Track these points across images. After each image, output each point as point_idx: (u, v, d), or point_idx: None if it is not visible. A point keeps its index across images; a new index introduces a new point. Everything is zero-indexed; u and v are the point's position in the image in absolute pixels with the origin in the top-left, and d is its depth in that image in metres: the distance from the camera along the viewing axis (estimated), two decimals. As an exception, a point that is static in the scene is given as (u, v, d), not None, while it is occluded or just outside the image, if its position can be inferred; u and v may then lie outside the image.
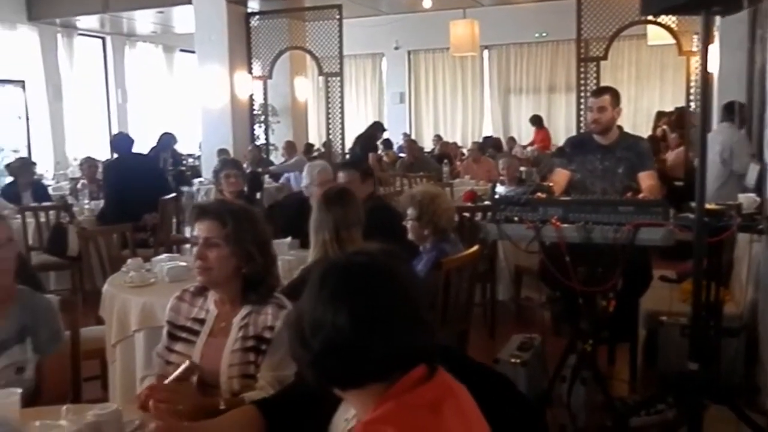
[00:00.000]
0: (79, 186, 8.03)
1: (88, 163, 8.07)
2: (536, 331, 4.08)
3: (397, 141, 13.47)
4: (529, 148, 12.94)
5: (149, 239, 6.13)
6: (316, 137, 13.10)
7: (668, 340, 3.70)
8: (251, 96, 10.06)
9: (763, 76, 5.41)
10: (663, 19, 7.61)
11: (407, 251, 3.15)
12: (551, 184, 3.83)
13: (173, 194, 6.91)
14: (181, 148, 11.24)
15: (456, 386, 1.30)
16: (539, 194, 3.21)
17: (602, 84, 7.64)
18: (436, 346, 1.29)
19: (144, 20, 12.75)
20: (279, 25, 9.84)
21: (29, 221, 6.04)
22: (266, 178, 8.96)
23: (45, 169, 10.91)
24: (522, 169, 8.36)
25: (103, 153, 10.31)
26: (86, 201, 7.22)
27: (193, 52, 10.52)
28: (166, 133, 10.13)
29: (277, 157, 10.26)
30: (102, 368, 3.65)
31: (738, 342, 3.57)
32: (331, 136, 9.86)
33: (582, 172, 4.06)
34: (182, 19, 11.63)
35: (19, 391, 1.82)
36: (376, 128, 10.50)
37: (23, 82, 11.42)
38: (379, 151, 10.78)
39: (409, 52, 15.96)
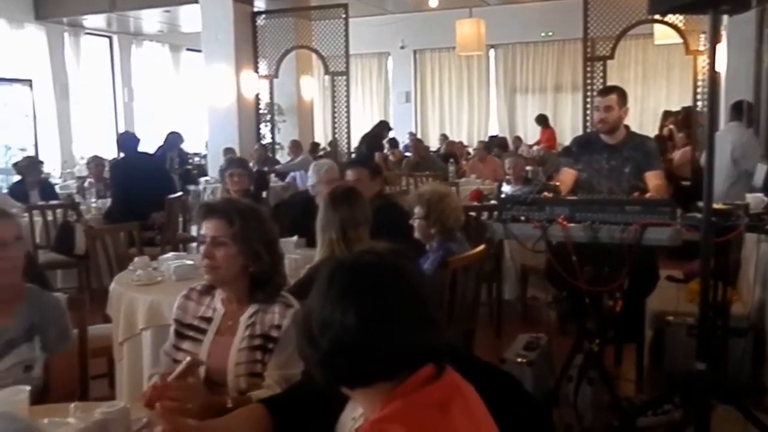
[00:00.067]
0: (86, 184, 8.08)
1: (95, 162, 8.11)
2: (542, 330, 4.07)
3: (403, 140, 13.46)
4: (535, 148, 12.92)
5: (156, 237, 6.15)
6: (321, 136, 13.11)
7: (675, 340, 3.69)
8: (257, 95, 10.07)
9: (771, 75, 5.40)
10: (670, 18, 7.59)
11: (414, 250, 3.15)
12: (558, 183, 3.82)
13: (179, 193, 6.93)
14: (187, 146, 11.27)
15: (464, 386, 1.30)
16: (546, 193, 3.21)
17: (609, 83, 7.63)
18: (444, 345, 1.29)
19: (151, 19, 12.79)
20: (285, 24, 9.86)
21: (36, 220, 6.06)
22: (272, 177, 8.98)
23: (52, 167, 10.96)
24: (528, 168, 8.35)
25: (109, 152, 10.32)
26: (93, 199, 7.26)
27: (199, 51, 10.55)
28: (172, 133, 10.16)
29: (283, 156, 10.27)
30: (109, 366, 3.65)
31: (745, 342, 3.56)
32: (336, 135, 9.86)
33: (589, 171, 4.05)
34: (189, 18, 11.67)
35: (28, 388, 1.83)
36: (382, 127, 10.50)
37: (30, 81, 11.47)
38: (385, 151, 10.77)
39: (415, 51, 15.96)
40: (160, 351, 2.30)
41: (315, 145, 10.98)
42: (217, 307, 2.21)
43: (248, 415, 1.67)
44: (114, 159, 8.49)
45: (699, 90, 7.91)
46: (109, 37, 13.65)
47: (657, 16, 7.56)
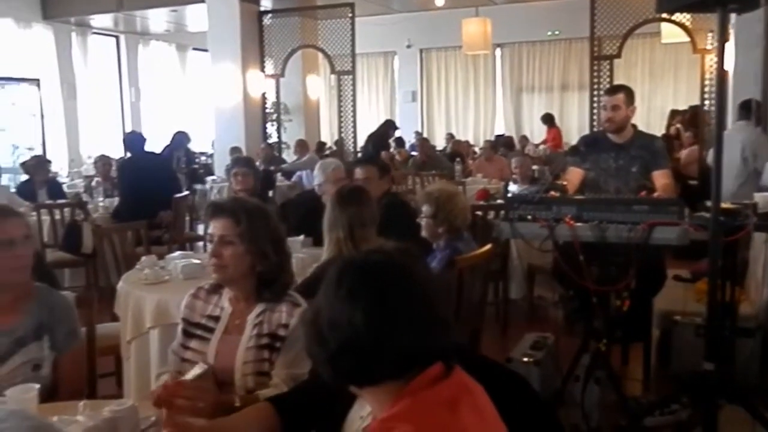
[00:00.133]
0: (93, 183, 8.11)
1: (102, 161, 8.14)
2: (549, 330, 4.07)
3: (409, 139, 13.47)
4: (541, 147, 12.90)
5: (163, 236, 6.17)
6: (328, 135, 13.12)
7: (682, 339, 3.68)
8: (264, 94, 10.08)
9: (780, 74, 5.37)
10: (677, 16, 7.55)
11: (421, 248, 3.14)
12: (565, 182, 3.82)
13: (186, 192, 6.95)
14: (194, 146, 11.29)
15: (472, 385, 1.30)
16: (553, 193, 3.20)
17: (616, 82, 7.61)
18: (452, 344, 1.29)
19: (157, 19, 12.83)
20: (291, 24, 9.87)
21: (44, 218, 6.09)
22: (278, 176, 8.99)
23: (59, 166, 11.00)
24: (534, 167, 8.34)
25: (116, 151, 10.37)
26: (100, 198, 7.29)
27: (206, 50, 10.56)
28: (179, 132, 10.18)
29: (289, 156, 10.28)
30: (116, 365, 3.67)
31: (753, 342, 3.54)
32: (343, 135, 9.87)
33: (596, 170, 4.03)
34: (195, 17, 11.70)
35: (37, 386, 1.84)
36: (388, 126, 10.51)
37: (38, 80, 11.52)
38: (391, 150, 10.77)
39: (421, 51, 15.95)
40: (167, 350, 2.31)
41: (321, 145, 10.99)
42: (225, 306, 2.21)
43: (256, 414, 1.67)
44: (121, 158, 8.52)
45: (706, 89, 7.87)
46: (116, 37, 13.70)
47: (664, 15, 7.53)
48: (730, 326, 3.28)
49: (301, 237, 3.95)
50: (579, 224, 2.91)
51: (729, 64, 6.88)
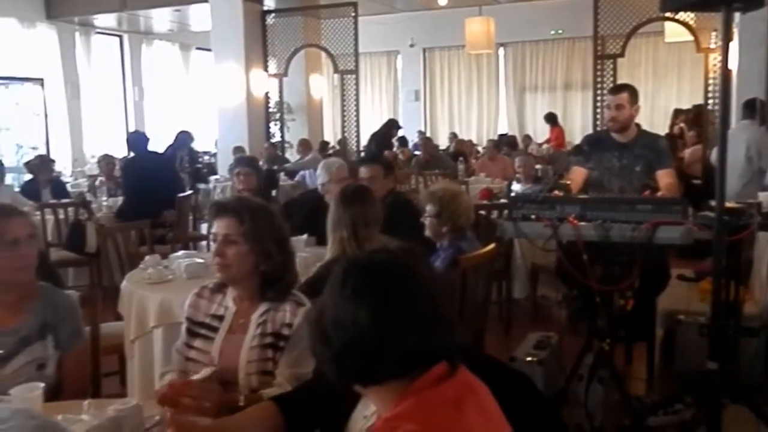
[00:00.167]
0: (97, 183, 8.12)
1: (106, 161, 8.15)
2: (553, 329, 4.06)
3: (413, 139, 13.45)
4: (544, 146, 12.89)
5: (167, 235, 6.18)
6: (331, 135, 13.13)
7: (686, 339, 3.67)
8: (267, 94, 10.08)
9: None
10: (681, 15, 7.55)
11: (425, 247, 3.15)
12: (569, 182, 3.81)
13: (189, 191, 6.96)
14: (197, 145, 11.29)
15: (477, 384, 1.30)
16: (556, 192, 3.20)
17: (619, 81, 7.59)
18: (456, 343, 1.29)
19: (161, 18, 12.85)
20: (295, 23, 9.87)
21: (48, 218, 6.11)
22: (282, 175, 8.99)
23: (63, 166, 11.02)
24: (538, 167, 8.33)
25: (120, 150, 10.36)
26: (104, 198, 7.30)
27: (209, 50, 10.58)
28: (182, 132, 10.19)
29: (292, 155, 10.28)
30: (120, 364, 3.67)
31: (758, 342, 3.53)
32: (346, 134, 9.87)
33: (599, 169, 4.03)
34: (199, 17, 11.70)
35: (42, 385, 1.84)
36: (391, 126, 10.50)
37: (42, 79, 11.52)
38: (395, 149, 10.77)
39: (424, 50, 15.94)
40: (171, 349, 2.31)
41: (324, 144, 10.98)
42: (229, 305, 2.21)
43: (260, 414, 1.68)
44: (125, 158, 8.53)
45: (710, 88, 7.85)
46: (120, 36, 13.72)
47: (668, 14, 7.52)
48: (734, 326, 3.27)
49: (305, 236, 3.96)
50: (582, 223, 2.90)
51: (733, 63, 6.87)
